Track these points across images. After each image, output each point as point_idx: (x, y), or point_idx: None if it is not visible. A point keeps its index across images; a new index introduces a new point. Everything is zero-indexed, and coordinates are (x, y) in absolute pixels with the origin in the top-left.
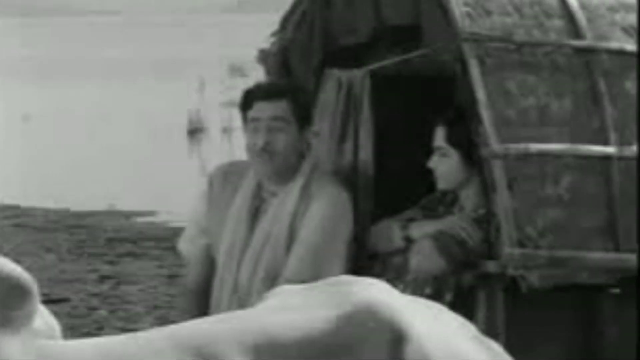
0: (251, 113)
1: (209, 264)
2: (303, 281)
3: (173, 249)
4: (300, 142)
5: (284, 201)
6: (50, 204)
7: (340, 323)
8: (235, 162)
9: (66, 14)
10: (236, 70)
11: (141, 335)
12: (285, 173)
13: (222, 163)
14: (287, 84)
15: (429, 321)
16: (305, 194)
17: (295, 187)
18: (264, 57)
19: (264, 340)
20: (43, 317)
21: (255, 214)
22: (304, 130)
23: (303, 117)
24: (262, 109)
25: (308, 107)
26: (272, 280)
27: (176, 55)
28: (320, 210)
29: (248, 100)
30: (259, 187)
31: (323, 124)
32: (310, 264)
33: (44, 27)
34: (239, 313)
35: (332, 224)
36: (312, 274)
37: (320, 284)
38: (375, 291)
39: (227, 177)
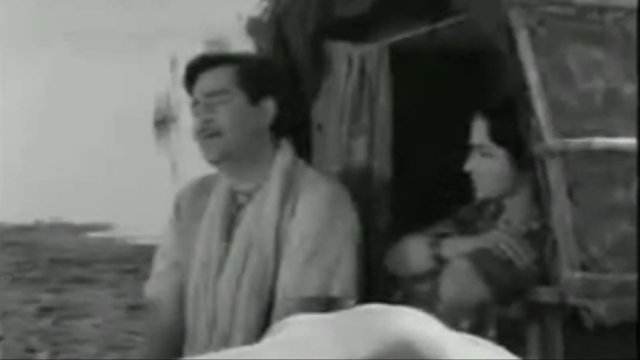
0: (193, 95)
1: (182, 304)
2: (306, 299)
3: (135, 272)
4: (255, 117)
5: (263, 201)
6: None
7: None
8: (208, 176)
9: None
10: (216, 44)
11: None
12: (243, 159)
13: (190, 180)
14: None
15: None
16: (290, 191)
17: (274, 184)
18: (254, 27)
19: None
20: None
21: (231, 222)
22: (260, 102)
23: (254, 86)
24: (200, 86)
25: (261, 73)
26: (258, 295)
27: (142, 25)
28: (312, 210)
29: (189, 75)
30: (232, 192)
31: (328, 113)
32: (311, 277)
33: None
34: (246, 350)
35: (330, 225)
36: (316, 289)
37: (341, 313)
38: (411, 322)
39: (197, 196)
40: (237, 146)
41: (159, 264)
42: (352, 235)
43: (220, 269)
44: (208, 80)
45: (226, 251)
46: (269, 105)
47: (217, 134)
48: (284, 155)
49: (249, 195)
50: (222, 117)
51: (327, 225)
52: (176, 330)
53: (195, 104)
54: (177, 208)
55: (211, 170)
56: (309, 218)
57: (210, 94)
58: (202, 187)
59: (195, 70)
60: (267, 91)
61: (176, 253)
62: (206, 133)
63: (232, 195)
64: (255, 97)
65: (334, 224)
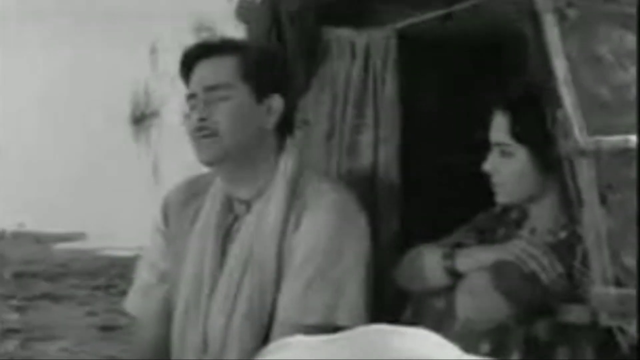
0: (189, 87)
1: (170, 322)
2: (308, 326)
3: (109, 288)
4: (259, 116)
5: (264, 211)
6: None
7: None
8: (198, 178)
9: None
10: (203, 30)
11: None
12: (242, 162)
13: (178, 183)
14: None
15: None
16: (295, 202)
17: (277, 192)
18: (245, 11)
19: None
20: None
21: (227, 233)
22: (266, 100)
23: (261, 80)
24: (199, 78)
25: (269, 66)
26: (255, 317)
27: (119, 7)
28: (318, 225)
29: (186, 64)
30: (228, 198)
31: (321, 108)
32: (314, 302)
33: None
34: None
35: (337, 243)
36: (320, 316)
37: (343, 335)
38: (420, 344)
39: (187, 200)
40: (237, 147)
41: (145, 276)
42: (361, 254)
43: (214, 285)
44: (208, 72)
45: (221, 266)
46: (276, 103)
47: (214, 133)
48: (289, 160)
49: (248, 204)
50: (222, 115)
51: (334, 243)
52: (162, 350)
53: (191, 97)
54: (165, 214)
55: (198, 171)
56: (315, 234)
57: (210, 88)
58: (193, 190)
59: (193, 59)
60: (275, 87)
61: (165, 264)
62: (203, 132)
63: (229, 202)
64: (261, 93)
65: (342, 241)
